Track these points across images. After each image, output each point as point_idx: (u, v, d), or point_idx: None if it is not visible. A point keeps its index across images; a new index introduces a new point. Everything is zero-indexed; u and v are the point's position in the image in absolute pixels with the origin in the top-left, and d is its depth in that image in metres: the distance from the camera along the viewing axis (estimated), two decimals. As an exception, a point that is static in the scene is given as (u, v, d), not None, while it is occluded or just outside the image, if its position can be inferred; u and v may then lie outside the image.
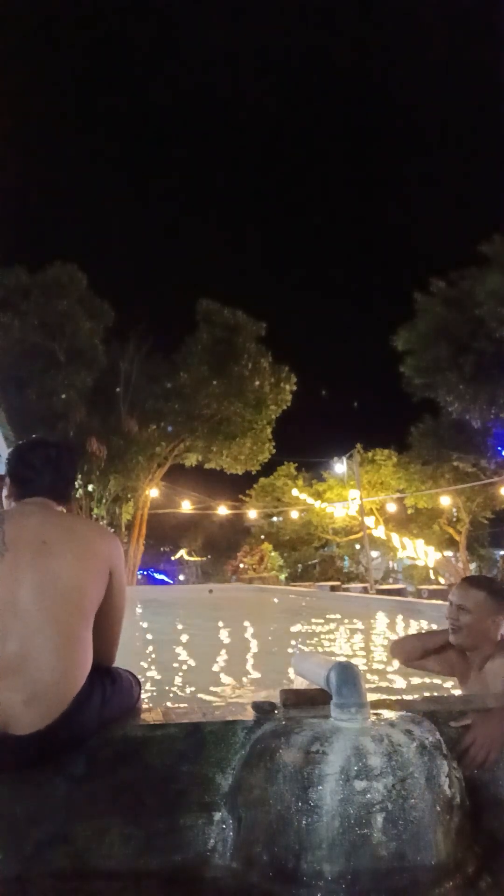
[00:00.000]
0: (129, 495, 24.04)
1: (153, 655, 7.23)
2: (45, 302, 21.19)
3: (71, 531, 1.93)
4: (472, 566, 27.90)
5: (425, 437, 22.88)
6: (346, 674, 1.82)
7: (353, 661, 2.27)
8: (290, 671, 2.20)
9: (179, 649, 7.72)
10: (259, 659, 6.94)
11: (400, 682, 5.40)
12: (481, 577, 2.61)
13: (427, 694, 2.54)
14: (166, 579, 40.40)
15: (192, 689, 5.33)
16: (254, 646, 7.95)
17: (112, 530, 23.59)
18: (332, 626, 9.83)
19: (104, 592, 1.93)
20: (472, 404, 19.84)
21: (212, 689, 5.30)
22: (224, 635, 8.83)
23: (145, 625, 11.35)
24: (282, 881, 1.62)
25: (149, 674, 5.82)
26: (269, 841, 1.67)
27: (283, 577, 27.53)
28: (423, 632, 2.58)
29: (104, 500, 23.35)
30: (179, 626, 10.49)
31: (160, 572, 41.64)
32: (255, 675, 5.99)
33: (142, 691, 2.15)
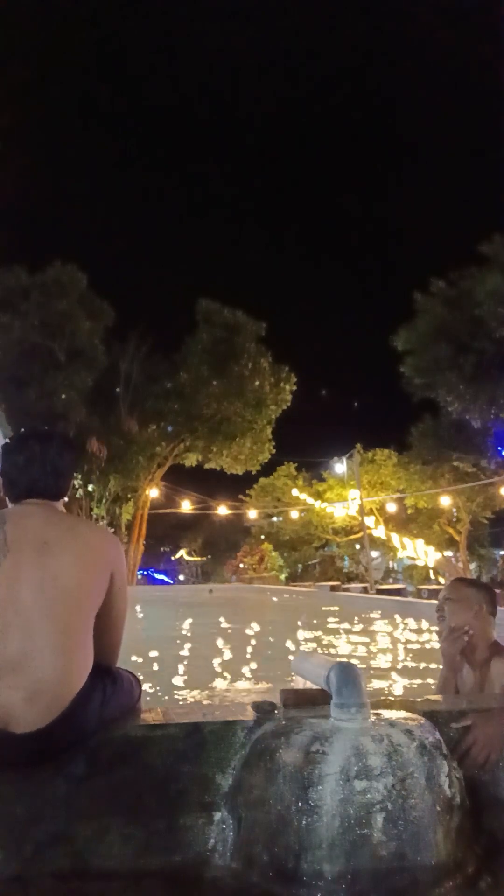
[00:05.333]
0: (129, 495, 24.05)
1: (153, 655, 7.23)
2: (45, 302, 21.19)
3: (73, 532, 1.93)
4: (472, 566, 27.93)
5: (425, 437, 22.88)
6: (347, 674, 1.82)
7: (353, 661, 2.27)
8: (291, 671, 2.20)
9: (179, 649, 7.72)
10: (259, 659, 6.93)
11: (400, 683, 5.40)
12: (467, 577, 2.69)
13: (427, 694, 2.55)
14: (166, 579, 40.42)
15: (193, 688, 5.33)
16: (254, 646, 7.95)
17: (112, 530, 23.67)
18: (332, 626, 9.84)
19: (105, 594, 1.93)
20: (472, 404, 19.83)
21: (212, 688, 5.30)
22: (224, 635, 8.83)
23: (145, 625, 11.35)
24: (282, 881, 1.62)
25: (149, 674, 5.82)
26: (269, 841, 1.67)
27: (283, 577, 27.56)
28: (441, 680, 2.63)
29: (104, 500, 23.36)
30: (179, 626, 10.49)
31: (160, 572, 41.68)
32: (255, 675, 5.99)
33: (142, 691, 2.15)
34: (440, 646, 2.56)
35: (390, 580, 29.82)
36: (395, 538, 23.68)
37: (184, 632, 9.46)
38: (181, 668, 6.39)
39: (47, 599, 1.79)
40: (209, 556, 38.74)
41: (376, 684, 5.19)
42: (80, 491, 23.25)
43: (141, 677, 2.21)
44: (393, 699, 2.18)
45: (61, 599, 1.81)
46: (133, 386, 23.53)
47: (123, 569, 2.01)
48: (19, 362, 20.63)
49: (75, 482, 23.05)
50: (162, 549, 40.98)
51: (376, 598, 13.96)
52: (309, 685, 2.03)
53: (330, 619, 10.49)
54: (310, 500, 26.87)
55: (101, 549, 1.95)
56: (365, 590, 17.64)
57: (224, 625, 10.28)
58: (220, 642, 8.17)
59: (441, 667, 2.61)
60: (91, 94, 48.21)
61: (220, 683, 5.59)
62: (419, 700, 2.22)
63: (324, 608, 12.55)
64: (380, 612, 11.14)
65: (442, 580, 23.52)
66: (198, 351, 23.39)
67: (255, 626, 10.07)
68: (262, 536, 29.46)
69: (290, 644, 7.84)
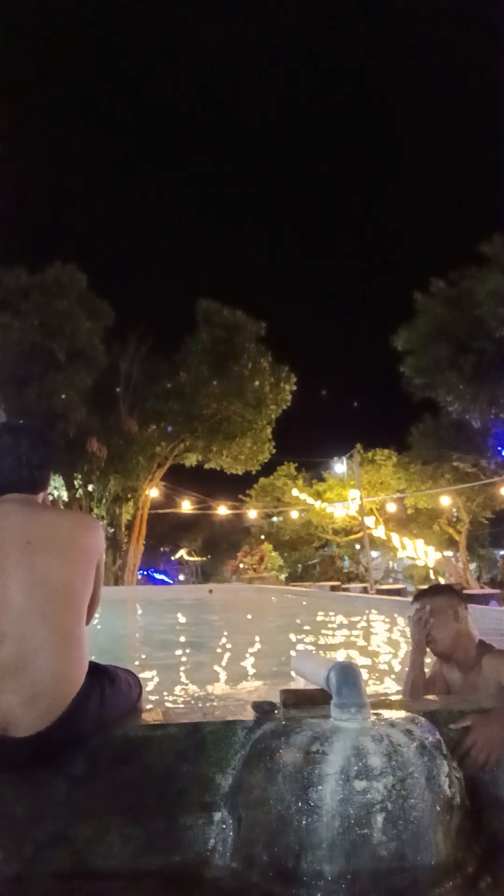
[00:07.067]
0: (129, 495, 24.04)
1: (153, 655, 7.24)
2: (45, 302, 21.17)
3: (54, 528, 1.91)
4: (472, 566, 27.91)
5: (425, 437, 22.86)
6: (347, 674, 1.82)
7: (353, 661, 2.27)
8: (291, 671, 2.20)
9: (179, 649, 7.72)
10: (259, 659, 6.93)
11: (400, 683, 5.39)
12: (425, 589, 2.64)
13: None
14: (166, 579, 40.40)
15: (192, 689, 5.33)
16: (254, 646, 7.95)
17: (112, 531, 23.67)
18: (332, 626, 9.83)
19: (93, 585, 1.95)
20: (472, 404, 19.82)
21: (212, 689, 5.30)
22: (224, 635, 8.83)
23: (145, 625, 11.36)
24: (282, 881, 1.62)
25: (149, 674, 5.82)
26: (269, 841, 1.67)
27: (283, 577, 27.52)
28: (410, 664, 2.59)
29: (104, 500, 23.35)
30: (179, 626, 10.50)
31: (160, 572, 41.65)
32: (255, 675, 5.99)
33: (142, 691, 2.15)
34: (410, 631, 2.54)
35: (390, 580, 29.80)
36: (395, 538, 23.67)
37: (183, 632, 9.46)
38: (181, 668, 6.39)
39: (39, 601, 1.79)
40: (209, 556, 38.72)
41: (376, 684, 5.18)
42: (80, 491, 23.26)
43: (141, 677, 2.21)
44: (393, 699, 2.18)
45: (53, 600, 1.81)
46: (133, 386, 23.52)
47: (104, 553, 2.02)
48: (19, 362, 20.61)
49: (75, 482, 23.07)
50: (162, 549, 40.94)
51: (376, 598, 13.95)
52: (309, 685, 2.03)
53: (330, 619, 10.48)
54: (310, 500, 26.85)
55: (87, 543, 1.94)
56: (365, 590, 17.63)
57: (224, 625, 10.28)
58: (219, 642, 8.17)
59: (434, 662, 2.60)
60: (91, 94, 48.17)
61: (220, 683, 5.59)
62: (419, 700, 2.22)
63: (323, 608, 12.56)
64: (380, 612, 11.14)
65: (442, 580, 23.51)
66: (198, 351, 23.37)
67: (255, 626, 10.07)
68: (262, 536, 29.42)
69: (289, 644, 7.84)
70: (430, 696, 2.39)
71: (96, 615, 2.07)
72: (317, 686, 1.95)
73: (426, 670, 2.57)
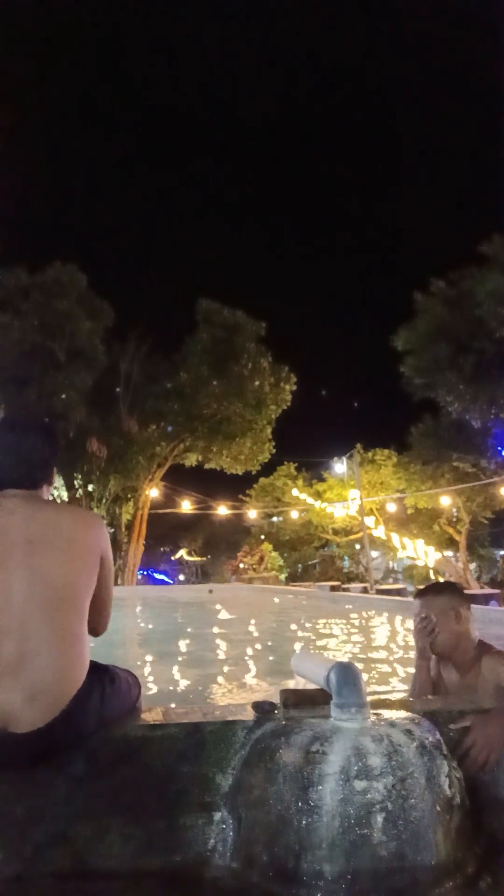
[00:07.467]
0: (129, 495, 24.04)
1: (153, 655, 7.23)
2: (45, 302, 21.17)
3: (56, 526, 1.91)
4: (472, 566, 27.90)
5: (425, 437, 22.85)
6: (347, 674, 1.82)
7: (353, 661, 2.27)
8: (291, 671, 2.20)
9: (179, 649, 7.72)
10: (259, 659, 6.94)
11: (400, 682, 5.40)
12: (424, 587, 2.64)
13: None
14: (166, 579, 40.41)
15: (193, 689, 5.33)
16: (254, 646, 7.95)
17: (112, 531, 23.66)
18: (332, 626, 9.83)
19: (96, 581, 1.94)
20: (472, 404, 19.82)
21: (212, 688, 5.30)
22: (224, 635, 8.83)
23: (145, 625, 11.36)
24: (282, 881, 1.62)
25: (149, 674, 5.82)
26: (269, 841, 1.67)
27: (283, 577, 27.53)
28: (416, 669, 2.58)
29: (104, 500, 23.35)
30: (179, 626, 10.50)
31: (160, 572, 41.67)
32: (256, 675, 5.99)
33: (141, 691, 2.15)
34: (414, 637, 2.53)
35: (390, 580, 29.80)
36: (395, 538, 23.67)
37: (183, 632, 9.45)
38: (181, 668, 6.39)
39: (40, 601, 1.79)
40: (209, 556, 38.74)
41: (376, 684, 5.18)
42: (80, 491, 23.26)
43: (140, 677, 2.21)
44: (393, 699, 2.18)
45: (54, 598, 1.81)
46: (133, 386, 23.52)
47: (110, 550, 2.02)
48: (19, 362, 20.61)
49: (75, 482, 23.07)
50: (162, 549, 40.96)
51: (376, 598, 13.95)
52: (309, 685, 2.03)
53: (330, 619, 10.48)
54: (310, 500, 26.86)
55: (89, 540, 1.94)
56: (365, 590, 17.63)
57: (223, 624, 10.28)
58: (219, 642, 8.17)
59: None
60: (91, 94, 48.24)
61: (220, 683, 5.59)
62: (419, 700, 2.22)
63: (323, 608, 12.56)
64: (380, 611, 11.14)
65: (442, 580, 23.49)
66: (198, 351, 23.37)
67: (255, 626, 10.08)
68: (262, 536, 29.42)
69: (289, 644, 7.84)
70: (429, 696, 2.39)
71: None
72: (317, 686, 1.94)
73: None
